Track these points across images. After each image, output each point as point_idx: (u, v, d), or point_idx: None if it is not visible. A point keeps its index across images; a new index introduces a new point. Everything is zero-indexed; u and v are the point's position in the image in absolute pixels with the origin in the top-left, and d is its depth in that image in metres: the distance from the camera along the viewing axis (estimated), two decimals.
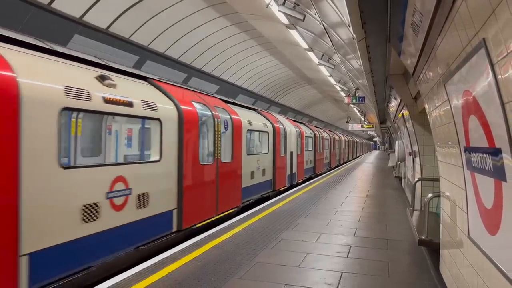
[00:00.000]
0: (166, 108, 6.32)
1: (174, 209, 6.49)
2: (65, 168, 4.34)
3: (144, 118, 5.83)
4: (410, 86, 7.29)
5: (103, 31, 9.97)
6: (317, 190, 13.25)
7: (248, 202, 10.22)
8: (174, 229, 6.52)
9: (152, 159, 6.10)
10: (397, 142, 13.36)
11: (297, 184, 15.66)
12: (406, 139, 10.38)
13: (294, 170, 15.31)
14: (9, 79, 3.72)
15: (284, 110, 28.43)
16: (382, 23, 4.46)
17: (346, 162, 35.08)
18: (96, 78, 5.11)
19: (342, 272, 4.92)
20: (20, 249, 3.73)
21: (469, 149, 2.76)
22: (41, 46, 4.77)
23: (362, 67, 7.94)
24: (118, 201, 5.13)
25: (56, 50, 5.01)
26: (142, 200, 5.65)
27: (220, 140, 8.17)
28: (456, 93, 2.87)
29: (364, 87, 14.68)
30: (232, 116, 9.04)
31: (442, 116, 3.73)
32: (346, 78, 18.64)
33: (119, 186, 5.14)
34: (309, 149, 18.53)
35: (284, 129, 13.76)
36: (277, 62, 19.74)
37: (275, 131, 12.55)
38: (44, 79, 4.20)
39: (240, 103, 11.70)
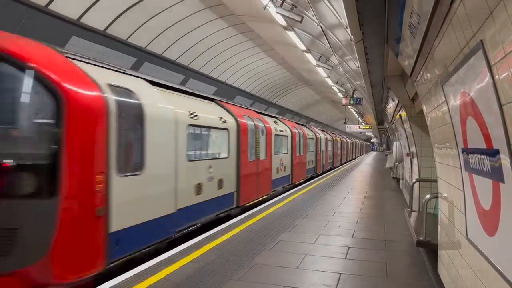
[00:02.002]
0: (289, 131, 15.20)
1: (289, 174, 15.20)
2: (275, 154, 12.76)
3: (285, 136, 14.51)
4: (408, 88, 7.31)
5: (101, 33, 9.95)
6: (315, 191, 13.26)
7: (307, 178, 18.52)
8: (289, 183, 15.31)
9: (284, 152, 14.46)
10: (395, 143, 13.38)
11: (325, 172, 23.90)
12: (404, 140, 10.40)
13: (324, 162, 23.89)
14: (270, 129, 12.31)
15: (282, 111, 28.45)
16: (380, 24, 4.47)
17: (351, 160, 42.48)
18: (274, 121, 13.81)
19: (340, 274, 4.92)
20: (272, 178, 12.53)
21: (467, 150, 2.77)
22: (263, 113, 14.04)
23: (359, 68, 7.96)
24: (280, 168, 13.65)
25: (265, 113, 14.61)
26: (284, 169, 14.20)
27: (301, 144, 17.18)
28: (453, 94, 2.87)
29: (362, 88, 14.71)
30: (303, 132, 17.83)
31: (439, 117, 3.74)
32: (344, 80, 18.68)
33: (281, 162, 13.71)
34: (329, 149, 26.21)
35: (320, 136, 22.29)
36: (275, 64, 19.76)
37: (317, 138, 21.20)
38: (275, 127, 13.27)
39: (300, 123, 20.91)
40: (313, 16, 9.47)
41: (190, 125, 7.14)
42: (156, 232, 5.92)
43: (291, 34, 12.22)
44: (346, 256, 5.70)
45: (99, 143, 4.69)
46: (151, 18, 10.98)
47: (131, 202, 5.25)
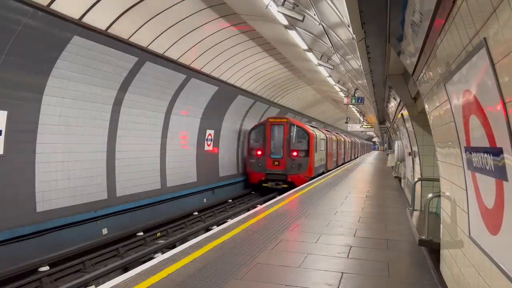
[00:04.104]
0: (335, 138, 31.38)
1: (336, 159, 31.86)
2: (334, 149, 32.83)
3: (334, 141, 30.86)
4: (410, 86, 7.29)
5: (102, 33, 9.95)
6: (316, 190, 13.25)
7: (339, 164, 33.35)
8: (336, 165, 31.44)
9: (334, 148, 30.90)
10: (396, 142, 13.36)
11: (344, 163, 36.31)
12: (406, 140, 10.38)
13: (345, 156, 38.29)
14: (332, 138, 31.00)
15: (284, 110, 28.44)
16: (382, 23, 4.45)
17: (358, 157, 54.83)
18: (329, 132, 32.60)
19: (342, 273, 4.91)
20: (333, 160, 30.83)
21: (469, 149, 2.76)
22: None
23: (361, 67, 7.93)
24: (334, 156, 31.36)
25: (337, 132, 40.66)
26: (335, 157, 31.33)
27: (338, 145, 33.31)
28: (456, 93, 2.86)
29: (364, 87, 14.69)
30: (338, 137, 33.35)
31: (442, 116, 3.73)
32: (345, 79, 18.65)
33: (334, 154, 31.57)
34: (346, 147, 40.92)
35: (347, 140, 39.07)
36: (276, 63, 19.74)
37: (345, 141, 37.58)
38: (332, 136, 31.33)
39: (337, 132, 40.43)
40: (314, 15, 9.46)
41: (320, 138, 23.63)
42: (318, 169, 23.23)
43: (292, 33, 12.20)
44: (348, 255, 5.69)
45: (313, 145, 21.82)
46: (152, 18, 10.98)
47: (316, 159, 22.34)
